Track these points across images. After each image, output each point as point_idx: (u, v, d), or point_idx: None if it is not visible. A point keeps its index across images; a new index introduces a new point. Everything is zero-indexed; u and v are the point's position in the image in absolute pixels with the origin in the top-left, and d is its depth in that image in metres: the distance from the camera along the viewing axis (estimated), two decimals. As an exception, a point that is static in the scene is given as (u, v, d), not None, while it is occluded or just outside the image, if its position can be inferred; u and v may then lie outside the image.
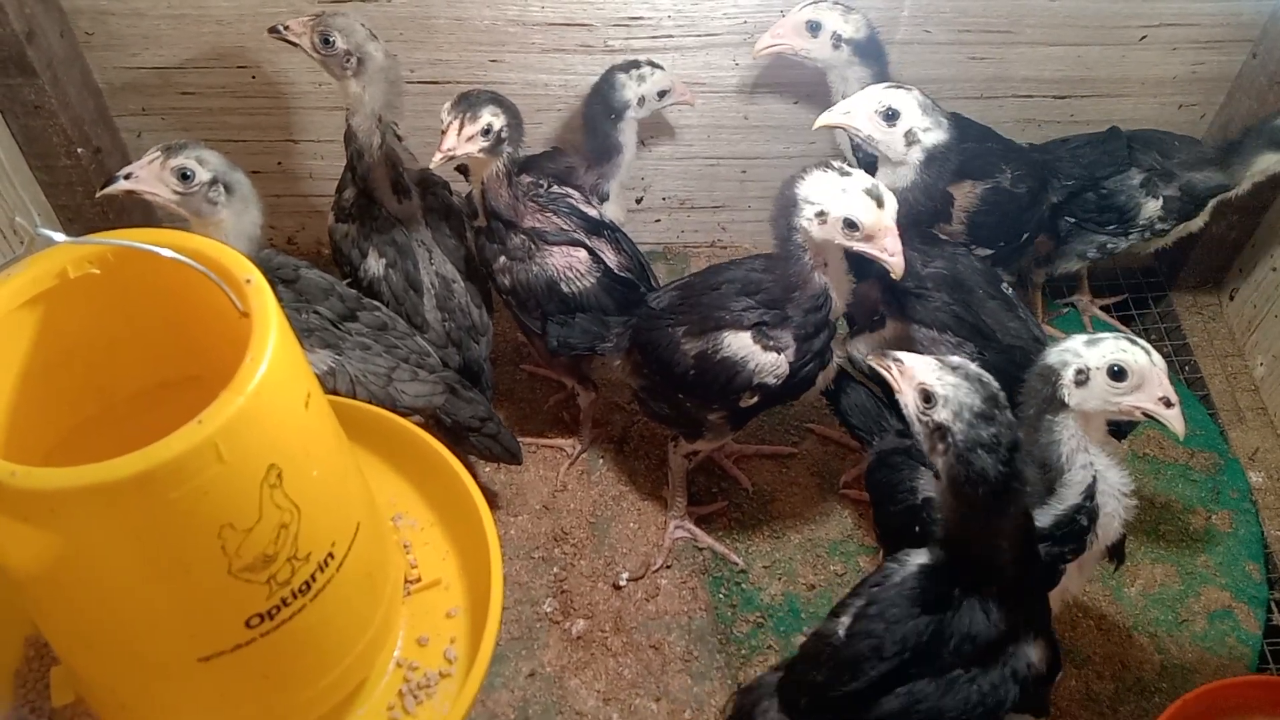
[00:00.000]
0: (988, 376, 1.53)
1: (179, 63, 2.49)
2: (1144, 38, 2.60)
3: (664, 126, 2.71)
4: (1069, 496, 1.74)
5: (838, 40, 2.30)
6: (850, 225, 1.80)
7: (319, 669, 1.49)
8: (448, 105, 2.02)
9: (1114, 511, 1.77)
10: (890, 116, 1.95)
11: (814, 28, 2.30)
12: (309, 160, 2.73)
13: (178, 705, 1.45)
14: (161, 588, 1.27)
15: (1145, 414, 1.69)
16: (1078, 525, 1.75)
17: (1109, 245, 2.63)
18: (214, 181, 1.91)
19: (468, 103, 2.01)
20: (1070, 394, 1.69)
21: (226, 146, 2.00)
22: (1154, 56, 2.64)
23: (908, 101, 1.95)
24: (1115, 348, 1.67)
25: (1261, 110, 2.60)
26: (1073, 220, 2.62)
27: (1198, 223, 2.60)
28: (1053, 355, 1.72)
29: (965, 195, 2.45)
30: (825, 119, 2.02)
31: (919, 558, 1.64)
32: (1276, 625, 2.34)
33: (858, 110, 1.97)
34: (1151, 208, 2.54)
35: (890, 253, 1.81)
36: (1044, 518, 1.75)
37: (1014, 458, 1.48)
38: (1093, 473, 1.73)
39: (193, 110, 2.59)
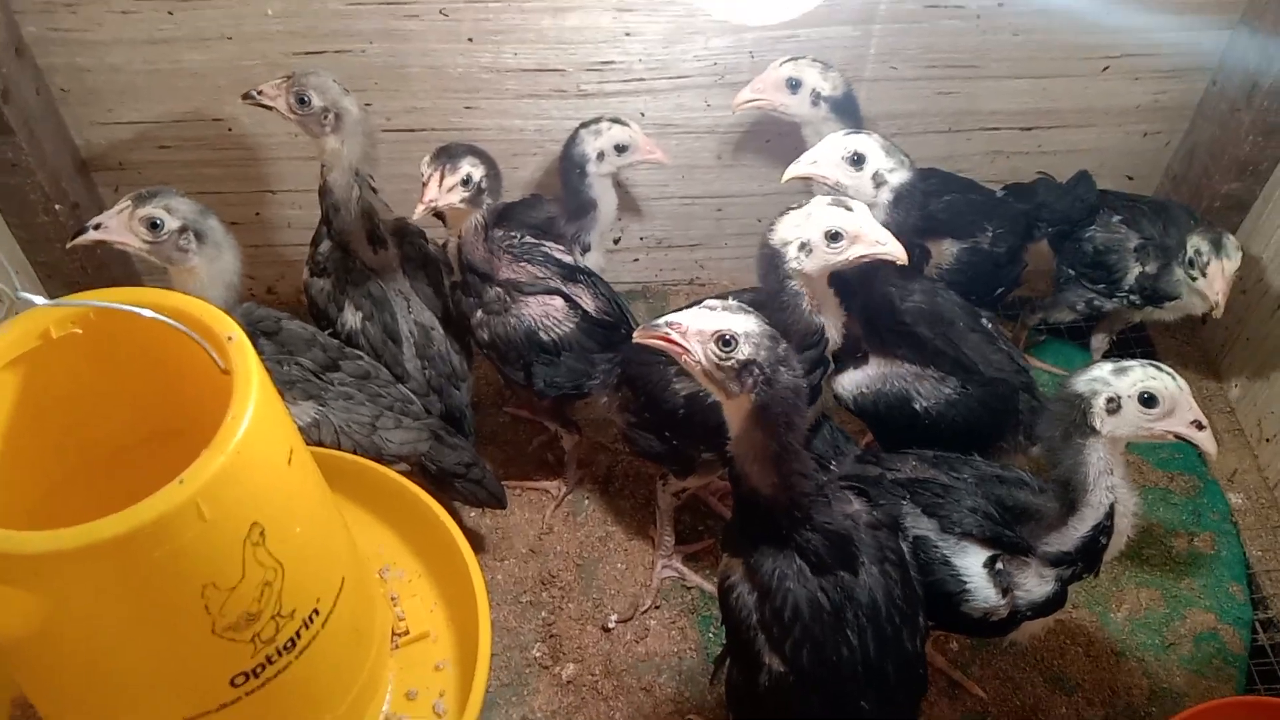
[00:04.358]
0: (746, 307, 1.57)
1: (155, 117, 2.51)
2: (1106, 68, 2.65)
3: (639, 167, 2.74)
4: (1090, 517, 1.78)
5: (816, 98, 2.33)
6: (834, 237, 1.81)
7: (307, 726, 1.48)
8: (427, 158, 2.04)
9: (1124, 530, 1.82)
10: (857, 161, 1.99)
11: (794, 85, 2.33)
12: (287, 210, 2.74)
13: (164, 766, 1.43)
14: (145, 648, 1.27)
15: (1177, 437, 1.74)
16: (1098, 545, 1.80)
17: (1095, 303, 2.67)
18: (184, 229, 1.92)
19: (447, 155, 2.04)
20: (1103, 422, 1.73)
21: (204, 199, 2.01)
22: (1117, 86, 2.70)
23: (870, 145, 1.99)
24: (1144, 375, 1.72)
25: (1224, 136, 2.66)
26: (1071, 272, 2.67)
27: (1166, 315, 2.65)
28: (1080, 383, 1.76)
29: (943, 253, 2.49)
30: (793, 170, 2.05)
31: (737, 570, 1.68)
32: (1262, 646, 2.35)
33: (824, 159, 2.01)
34: (1134, 274, 2.57)
35: (882, 242, 1.82)
36: (1068, 540, 1.80)
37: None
38: (1114, 495, 1.78)
39: (170, 163, 2.59)
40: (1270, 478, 2.64)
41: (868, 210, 1.87)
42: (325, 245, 2.28)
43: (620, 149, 2.42)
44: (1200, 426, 1.73)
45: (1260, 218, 2.72)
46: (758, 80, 2.36)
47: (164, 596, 1.21)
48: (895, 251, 1.82)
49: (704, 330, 1.51)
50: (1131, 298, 2.60)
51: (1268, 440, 2.66)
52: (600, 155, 2.42)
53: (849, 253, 1.83)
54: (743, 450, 1.60)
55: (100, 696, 1.34)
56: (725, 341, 1.49)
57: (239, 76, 2.39)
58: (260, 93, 2.10)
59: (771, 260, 1.87)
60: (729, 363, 1.50)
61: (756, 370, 1.50)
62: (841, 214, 1.82)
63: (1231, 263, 2.41)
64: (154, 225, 1.88)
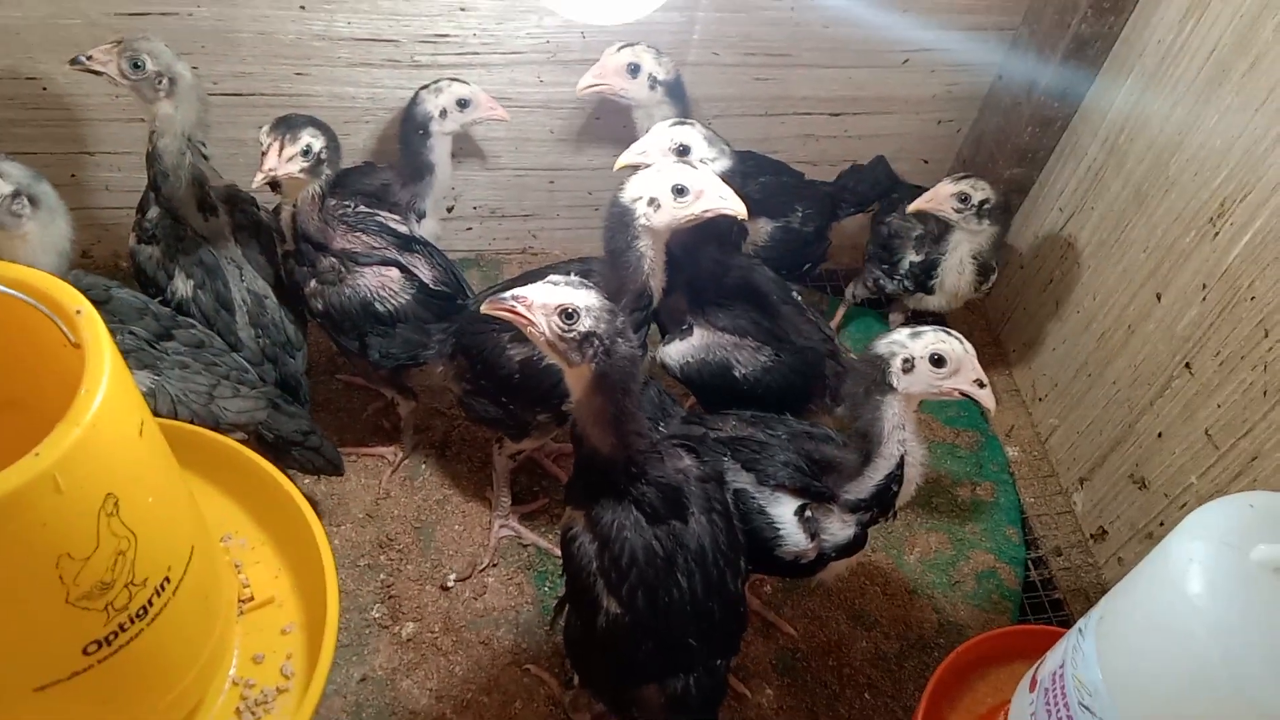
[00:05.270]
0: (587, 282, 1.65)
1: (-38, 74, 2.38)
2: (906, 61, 2.88)
3: (474, 139, 2.79)
4: (884, 467, 1.97)
5: (653, 82, 2.45)
6: (680, 191, 1.91)
7: (156, 692, 1.51)
8: (266, 127, 2.03)
9: (913, 478, 2.02)
10: (682, 152, 2.13)
11: (634, 70, 2.44)
12: (105, 172, 2.64)
13: (11, 737, 1.43)
14: (-5, 618, 1.27)
15: (962, 394, 1.94)
16: (891, 492, 1.99)
17: (881, 282, 2.92)
18: (16, 194, 1.86)
19: (287, 125, 2.03)
20: (898, 379, 1.91)
21: (17, 159, 1.93)
22: (916, 78, 2.94)
23: (694, 136, 2.13)
24: (935, 339, 1.91)
25: (1007, 125, 2.93)
26: (872, 250, 2.90)
27: (934, 301, 2.86)
28: (881, 346, 1.93)
29: (758, 231, 2.69)
30: (624, 160, 2.16)
31: (579, 522, 1.79)
32: (1033, 581, 2.66)
33: (652, 149, 2.13)
34: (908, 261, 2.83)
35: (724, 198, 1.93)
36: (864, 488, 1.98)
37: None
38: (905, 448, 1.97)
39: (-21, 122, 2.47)
40: (1042, 433, 2.97)
41: (711, 170, 2.00)
42: (154, 212, 2.22)
43: (462, 104, 2.47)
44: (981, 385, 1.94)
45: (1037, 200, 3.02)
46: (598, 66, 2.45)
47: (17, 568, 1.21)
48: (736, 207, 1.94)
49: (548, 304, 1.58)
50: (905, 282, 2.86)
51: (1040, 399, 2.99)
52: (443, 113, 2.46)
53: (694, 207, 1.93)
54: (584, 414, 1.69)
55: (-56, 669, 1.33)
56: (568, 315, 1.57)
57: (56, 35, 2.29)
58: (90, 58, 2.03)
59: (621, 218, 1.95)
60: (571, 335, 1.57)
61: (597, 342, 1.58)
62: (688, 171, 1.95)
63: (955, 187, 2.62)
64: None
